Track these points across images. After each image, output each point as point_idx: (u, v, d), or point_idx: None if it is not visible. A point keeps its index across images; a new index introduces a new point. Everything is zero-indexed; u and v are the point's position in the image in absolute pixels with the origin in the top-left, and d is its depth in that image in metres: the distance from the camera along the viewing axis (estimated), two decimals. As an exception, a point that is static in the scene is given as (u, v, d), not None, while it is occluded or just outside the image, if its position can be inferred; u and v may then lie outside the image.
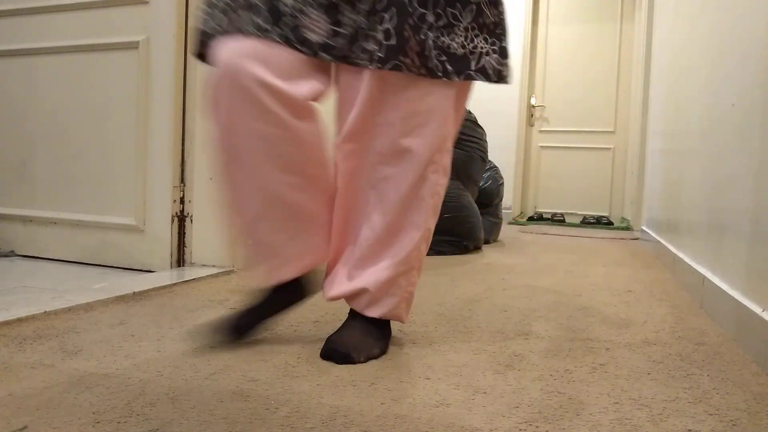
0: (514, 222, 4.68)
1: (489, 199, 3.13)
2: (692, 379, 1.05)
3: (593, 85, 5.05)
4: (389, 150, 1.08)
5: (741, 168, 1.40)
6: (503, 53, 1.11)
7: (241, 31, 1.00)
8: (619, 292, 1.85)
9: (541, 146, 5.23)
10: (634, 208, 4.37)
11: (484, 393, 0.94)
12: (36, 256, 2.19)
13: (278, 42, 1.00)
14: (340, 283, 1.14)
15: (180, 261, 1.98)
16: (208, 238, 1.94)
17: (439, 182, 1.13)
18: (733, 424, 0.86)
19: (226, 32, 1.01)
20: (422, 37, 1.01)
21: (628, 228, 4.36)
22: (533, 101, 5.16)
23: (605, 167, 5.05)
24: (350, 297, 1.14)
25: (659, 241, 2.76)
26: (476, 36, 1.07)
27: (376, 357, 1.10)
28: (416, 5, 1.01)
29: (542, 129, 5.22)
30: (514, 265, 2.39)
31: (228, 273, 1.88)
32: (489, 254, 2.72)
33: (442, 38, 1.03)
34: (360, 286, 1.11)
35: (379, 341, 1.13)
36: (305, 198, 1.09)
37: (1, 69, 2.23)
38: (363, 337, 1.10)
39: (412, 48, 1.01)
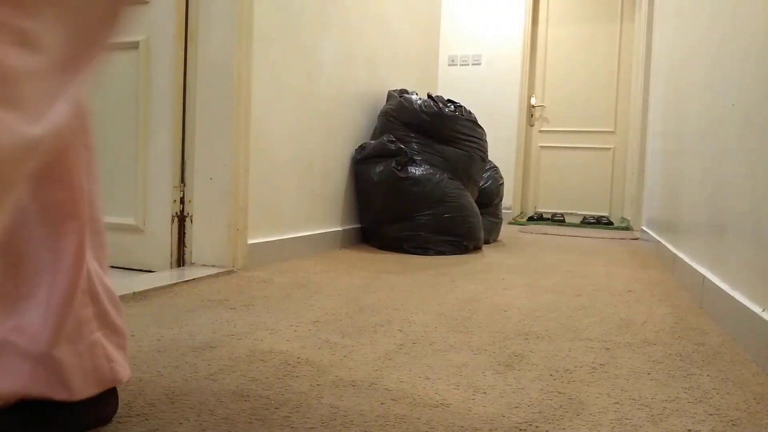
0: (514, 222, 4.68)
1: (489, 199, 3.13)
2: (692, 379, 1.05)
3: (593, 85, 5.06)
4: None
5: (741, 168, 1.40)
6: None
7: None
8: (619, 292, 1.85)
9: (541, 146, 5.23)
10: (634, 208, 4.37)
11: (484, 393, 0.94)
12: (36, 256, 2.19)
13: None
14: None
15: (180, 261, 1.98)
16: (208, 238, 1.94)
17: None
18: (733, 424, 0.86)
19: None
20: None
21: (628, 228, 4.36)
22: (533, 101, 5.16)
23: (605, 167, 5.05)
24: None
25: (659, 241, 2.76)
26: None
27: None
28: None
29: (542, 129, 5.22)
30: (514, 265, 2.39)
31: (228, 273, 1.88)
32: (489, 254, 2.72)
33: None
34: None
35: None
36: None
37: (1, 69, 2.23)
38: None
39: None
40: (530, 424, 0.83)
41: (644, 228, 3.56)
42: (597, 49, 5.03)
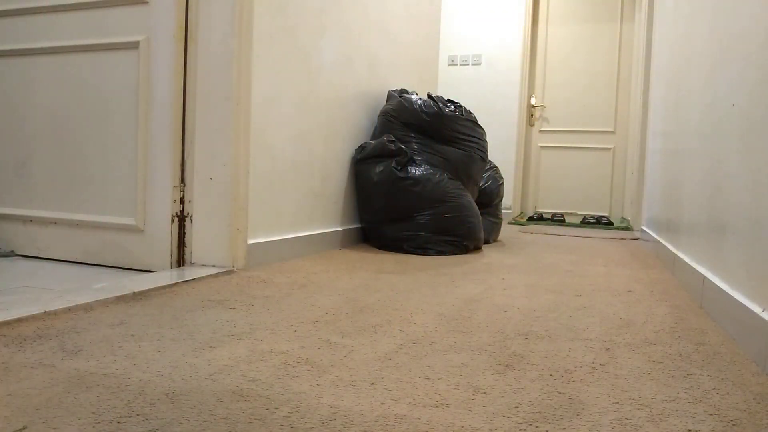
0: (514, 222, 4.68)
1: (489, 199, 3.13)
2: (692, 379, 1.05)
3: (593, 85, 5.06)
4: None
5: (741, 168, 1.40)
6: None
7: None
8: (619, 292, 1.85)
9: (541, 146, 5.23)
10: (634, 208, 4.37)
11: (484, 393, 0.94)
12: (36, 256, 2.19)
13: None
14: None
15: (180, 261, 1.98)
16: (208, 238, 1.94)
17: None
18: (733, 424, 0.86)
19: None
20: None
21: (628, 228, 4.36)
22: (533, 101, 5.16)
23: (605, 167, 5.06)
24: None
25: (659, 241, 2.76)
26: None
27: None
28: None
29: (542, 129, 5.22)
30: (514, 265, 2.39)
31: (228, 273, 1.88)
32: (489, 254, 2.72)
33: None
34: None
35: None
36: None
37: (2, 69, 2.23)
38: None
39: None
40: (530, 424, 0.83)
41: (644, 228, 3.56)
42: (597, 49, 5.03)
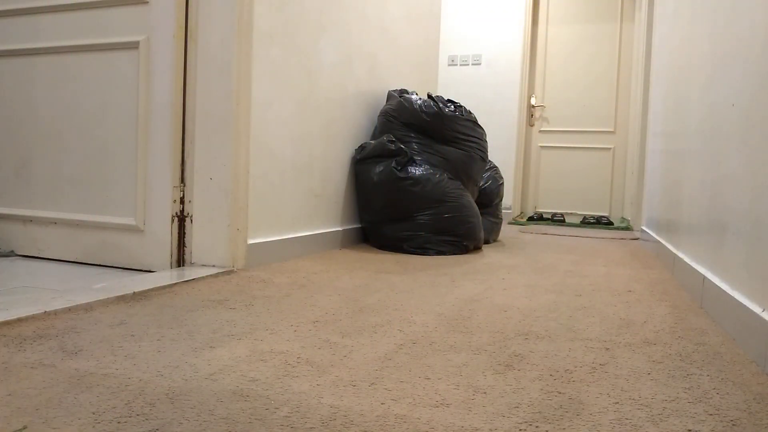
0: (514, 222, 4.68)
1: (489, 199, 3.13)
2: (692, 379, 1.05)
3: (593, 85, 5.06)
4: None
5: (741, 168, 1.40)
6: None
7: None
8: (619, 292, 1.85)
9: (541, 146, 5.23)
10: (634, 208, 4.37)
11: (484, 393, 0.94)
12: (36, 256, 2.19)
13: None
14: None
15: (180, 261, 1.98)
16: (208, 238, 1.94)
17: None
18: (733, 424, 0.86)
19: None
20: None
21: (628, 228, 4.36)
22: (533, 101, 5.16)
23: (605, 167, 5.06)
24: None
25: (659, 241, 2.76)
26: None
27: None
28: None
29: (542, 129, 5.22)
30: (514, 265, 2.39)
31: (228, 273, 1.88)
32: (489, 254, 2.72)
33: None
34: None
35: None
36: None
37: (2, 69, 2.23)
38: None
39: None
40: (530, 424, 0.83)
41: (644, 228, 3.56)
42: (597, 49, 5.03)
